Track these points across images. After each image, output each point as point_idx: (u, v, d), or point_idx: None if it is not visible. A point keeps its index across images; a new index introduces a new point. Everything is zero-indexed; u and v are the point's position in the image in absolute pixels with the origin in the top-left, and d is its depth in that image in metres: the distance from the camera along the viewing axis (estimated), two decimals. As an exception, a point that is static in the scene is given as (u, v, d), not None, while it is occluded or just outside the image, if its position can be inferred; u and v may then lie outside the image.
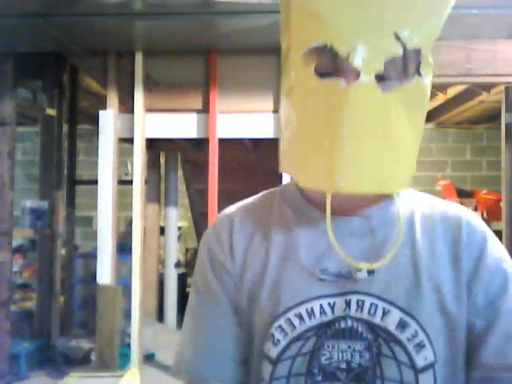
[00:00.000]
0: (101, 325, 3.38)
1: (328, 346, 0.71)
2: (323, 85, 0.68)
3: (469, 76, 3.41)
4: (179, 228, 5.31)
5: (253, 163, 4.15)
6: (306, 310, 0.72)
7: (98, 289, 3.39)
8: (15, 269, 4.84)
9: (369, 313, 0.71)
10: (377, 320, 0.71)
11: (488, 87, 4.66)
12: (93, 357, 3.54)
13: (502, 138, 3.88)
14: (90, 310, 4.05)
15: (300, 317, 0.72)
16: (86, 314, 4.35)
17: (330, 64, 0.67)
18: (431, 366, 0.70)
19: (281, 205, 0.80)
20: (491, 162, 6.80)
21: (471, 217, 0.78)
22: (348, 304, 0.71)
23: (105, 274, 3.38)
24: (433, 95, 5.24)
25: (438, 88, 4.96)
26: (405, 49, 0.67)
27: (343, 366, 0.70)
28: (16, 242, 5.09)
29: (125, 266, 3.81)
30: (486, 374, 0.70)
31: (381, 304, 0.71)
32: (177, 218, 4.84)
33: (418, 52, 0.70)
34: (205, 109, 3.44)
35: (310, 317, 0.72)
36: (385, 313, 0.71)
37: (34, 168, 4.46)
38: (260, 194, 0.85)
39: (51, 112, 3.86)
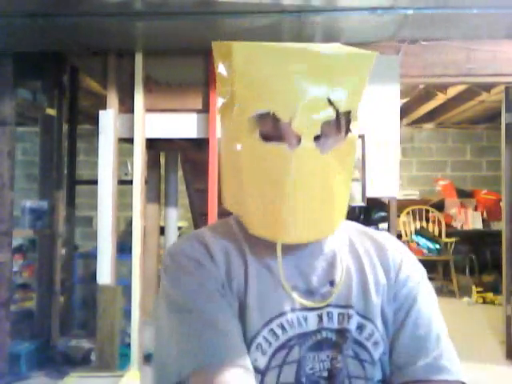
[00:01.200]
0: (101, 325, 3.38)
1: (309, 357, 0.77)
2: (268, 148, 0.76)
3: (469, 76, 3.41)
4: (179, 228, 5.31)
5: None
6: (287, 320, 0.78)
7: (97, 289, 3.39)
8: (15, 269, 4.84)
9: (338, 322, 0.79)
10: (344, 326, 0.79)
11: (488, 87, 4.67)
12: (93, 357, 3.54)
13: (501, 138, 3.88)
14: (90, 310, 4.05)
15: (282, 327, 0.77)
16: (85, 314, 4.35)
17: (274, 129, 0.75)
18: (384, 355, 0.81)
19: (244, 231, 0.85)
20: (491, 162, 6.80)
21: (392, 242, 0.91)
22: (320, 317, 0.79)
23: (105, 273, 3.37)
24: (433, 95, 5.24)
25: (438, 88, 4.96)
26: (337, 112, 0.76)
27: (325, 374, 0.77)
28: (16, 241, 5.09)
29: (125, 266, 3.80)
30: (396, 370, 0.80)
31: (345, 312, 0.80)
32: (177, 218, 4.83)
33: (348, 113, 0.79)
34: (205, 109, 3.43)
35: (291, 326, 0.78)
36: (348, 318, 0.79)
37: (34, 168, 4.46)
38: (217, 222, 0.93)
39: (51, 112, 3.85)
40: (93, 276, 3.62)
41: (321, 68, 0.75)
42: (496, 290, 5.56)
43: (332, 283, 0.82)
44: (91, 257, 4.17)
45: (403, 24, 2.96)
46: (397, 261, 0.87)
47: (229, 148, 0.82)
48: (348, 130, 0.80)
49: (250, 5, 2.71)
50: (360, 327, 0.80)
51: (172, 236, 4.79)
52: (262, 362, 0.75)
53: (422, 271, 0.88)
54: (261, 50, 0.75)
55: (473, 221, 6.40)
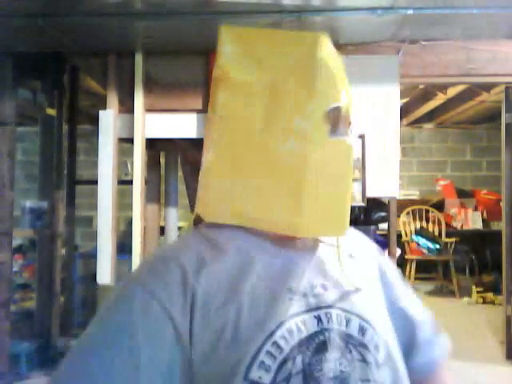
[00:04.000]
0: (101, 325, 3.37)
1: (314, 361, 0.73)
2: (335, 143, 0.78)
3: (469, 76, 3.40)
4: (179, 228, 5.31)
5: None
6: (287, 329, 0.73)
7: (97, 289, 3.39)
8: (15, 269, 4.84)
9: (337, 323, 0.77)
10: (343, 328, 0.77)
11: (488, 87, 4.66)
12: (93, 357, 3.53)
13: (502, 138, 3.89)
14: (90, 310, 4.05)
15: (284, 338, 0.72)
16: (86, 314, 4.35)
17: (336, 124, 0.78)
18: (386, 363, 0.78)
19: (218, 242, 0.79)
20: (491, 162, 6.80)
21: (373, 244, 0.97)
22: (319, 318, 0.76)
23: (105, 273, 3.37)
24: (433, 95, 5.25)
25: (438, 88, 4.96)
26: (350, 105, 0.80)
27: (330, 375, 0.73)
28: (16, 242, 5.09)
29: (125, 266, 3.80)
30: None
31: (343, 314, 0.78)
32: (177, 217, 4.83)
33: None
34: (205, 109, 3.43)
35: (291, 336, 0.73)
36: (347, 321, 0.78)
37: (34, 168, 4.46)
38: (181, 239, 0.88)
39: (51, 112, 3.86)
40: (93, 276, 3.62)
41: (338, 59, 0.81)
42: (496, 290, 5.56)
43: (324, 286, 0.80)
44: (91, 257, 4.17)
45: (403, 24, 2.96)
46: (385, 264, 0.93)
47: (272, 151, 0.77)
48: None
49: (250, 5, 2.72)
50: (362, 329, 0.78)
51: (172, 236, 4.79)
52: (267, 378, 0.70)
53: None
54: (326, 40, 0.79)
55: (473, 221, 6.40)
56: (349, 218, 0.84)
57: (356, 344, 0.76)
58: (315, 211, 0.78)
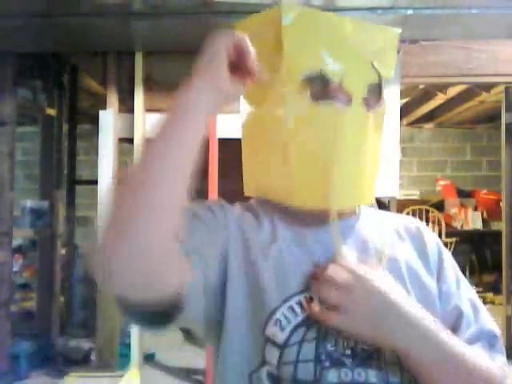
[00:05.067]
0: (101, 325, 3.38)
1: (332, 334, 0.74)
2: (320, 109, 0.77)
3: (469, 76, 3.41)
4: (179, 228, 5.31)
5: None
6: (306, 298, 0.75)
7: (97, 289, 3.38)
8: (15, 269, 4.84)
9: None
10: None
11: (488, 87, 4.66)
12: (93, 357, 3.54)
13: (502, 138, 3.89)
14: (89, 310, 4.05)
15: (301, 304, 0.75)
16: (86, 314, 4.35)
17: (323, 91, 0.77)
18: None
19: (273, 209, 0.85)
20: (491, 162, 6.80)
21: (423, 225, 0.92)
22: None
23: (105, 274, 3.37)
24: (433, 95, 5.24)
25: (438, 88, 4.96)
26: (379, 76, 0.80)
27: (348, 352, 0.74)
28: (16, 241, 5.09)
29: (125, 266, 3.79)
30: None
31: None
32: (177, 217, 4.83)
33: (385, 80, 0.82)
34: (205, 109, 3.43)
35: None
36: None
37: (34, 168, 4.46)
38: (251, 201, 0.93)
39: (51, 112, 3.86)
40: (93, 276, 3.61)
41: (362, 35, 0.80)
42: (496, 290, 5.56)
43: (360, 260, 0.79)
44: (91, 257, 4.16)
45: (403, 24, 2.96)
46: (434, 248, 0.86)
47: (268, 122, 0.82)
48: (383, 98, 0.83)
49: (250, 5, 2.71)
50: None
51: (172, 236, 4.78)
52: (281, 337, 0.73)
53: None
54: (308, 12, 0.78)
55: (473, 221, 6.41)
56: (366, 191, 0.83)
57: None
58: (307, 180, 0.78)
